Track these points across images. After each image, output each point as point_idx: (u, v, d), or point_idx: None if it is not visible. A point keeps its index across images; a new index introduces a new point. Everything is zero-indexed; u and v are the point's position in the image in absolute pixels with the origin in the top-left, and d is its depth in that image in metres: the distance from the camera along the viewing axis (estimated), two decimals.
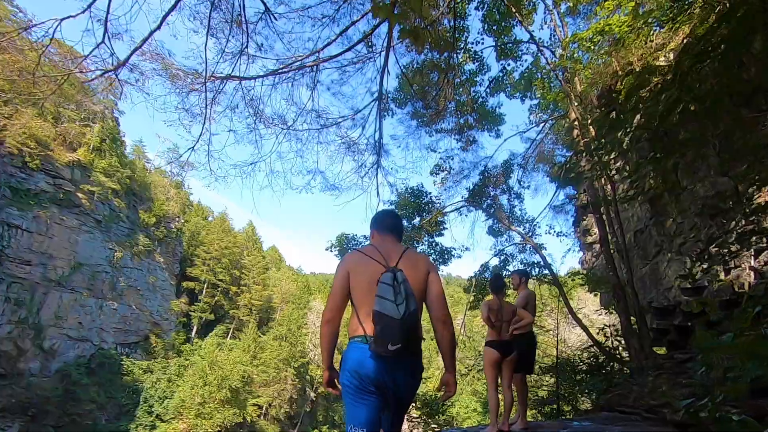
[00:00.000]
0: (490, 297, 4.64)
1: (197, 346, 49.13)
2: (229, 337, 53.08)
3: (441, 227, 9.81)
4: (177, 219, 51.05)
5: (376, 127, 6.69)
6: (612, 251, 7.28)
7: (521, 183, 10.58)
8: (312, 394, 48.84)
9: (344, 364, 2.16)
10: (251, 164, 6.36)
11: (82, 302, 37.71)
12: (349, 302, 2.22)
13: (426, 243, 9.90)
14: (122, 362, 40.57)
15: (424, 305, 2.26)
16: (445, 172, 10.24)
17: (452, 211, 9.95)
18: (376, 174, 7.08)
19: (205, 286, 53.55)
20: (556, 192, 10.63)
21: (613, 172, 10.13)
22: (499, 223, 10.03)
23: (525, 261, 9.85)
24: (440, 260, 10.08)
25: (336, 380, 2.28)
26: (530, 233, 9.97)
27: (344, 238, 9.63)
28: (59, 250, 35.81)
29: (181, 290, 52.00)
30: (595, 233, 10.89)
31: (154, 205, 47.62)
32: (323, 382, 2.37)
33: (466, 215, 10.48)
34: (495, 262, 10.36)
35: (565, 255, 19.65)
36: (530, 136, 11.36)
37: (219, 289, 54.05)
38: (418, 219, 9.67)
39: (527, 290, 4.79)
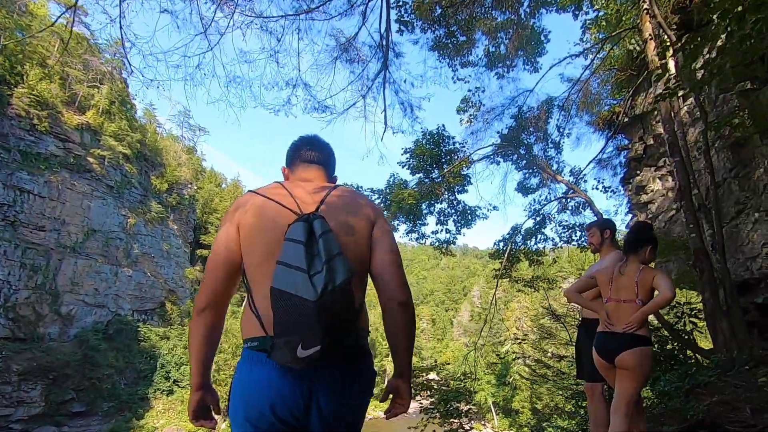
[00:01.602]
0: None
1: None
2: (243, 305, 53.29)
3: (465, 181, 8.05)
4: (189, 185, 50.49)
5: (382, 14, 4.75)
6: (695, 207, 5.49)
7: (561, 130, 8.66)
8: None
9: (232, 390, 1.33)
10: (195, 61, 4.58)
11: (97, 269, 37.72)
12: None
13: (446, 200, 8.20)
14: (139, 329, 40.98)
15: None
16: (474, 109, 8.33)
17: (480, 159, 8.15)
18: (383, 90, 5.25)
19: None
20: (607, 140, 8.69)
21: (684, 109, 8.12)
22: (535, 174, 8.21)
23: (567, 223, 8.06)
24: (462, 222, 8.40)
25: (216, 410, 1.45)
26: (572, 190, 8.15)
27: None
28: (72, 215, 35.60)
29: (196, 258, 52.07)
30: (651, 190, 9.00)
31: (166, 171, 47.00)
32: (188, 411, 1.44)
33: (497, 165, 8.69)
34: (529, 224, 8.64)
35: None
36: (572, 74, 9.30)
37: None
38: (437, 172, 7.92)
39: (616, 251, 3.12)
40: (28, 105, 31.99)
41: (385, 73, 5.08)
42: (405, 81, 7.39)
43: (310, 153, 1.64)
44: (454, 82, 7.62)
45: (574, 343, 7.20)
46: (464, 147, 8.31)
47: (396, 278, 1.40)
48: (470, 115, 8.45)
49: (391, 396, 1.49)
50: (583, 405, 6.81)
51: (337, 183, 1.65)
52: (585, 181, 8.70)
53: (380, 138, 6.44)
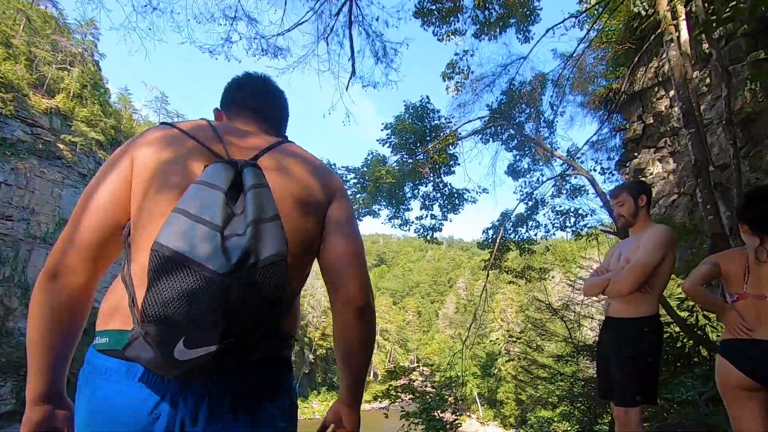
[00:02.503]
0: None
1: None
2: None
3: (452, 161, 7.23)
4: None
5: None
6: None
7: (554, 108, 7.91)
8: (310, 357, 48.66)
9: (77, 412, 0.88)
10: None
11: None
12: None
13: (432, 183, 7.37)
14: None
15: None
16: (462, 76, 7.41)
17: (468, 136, 7.32)
18: (349, 29, 4.33)
19: None
20: (603, 119, 8.00)
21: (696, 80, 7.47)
22: (527, 153, 7.44)
23: (561, 208, 7.36)
24: (449, 206, 7.60)
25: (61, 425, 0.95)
26: (569, 168, 7.39)
27: None
28: (42, 204, 34.12)
29: None
30: (651, 173, 8.38)
31: None
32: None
33: (486, 144, 7.88)
34: (521, 209, 7.90)
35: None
36: (567, 49, 8.57)
37: None
38: (421, 151, 7.06)
39: (659, 227, 2.36)
40: None
41: (351, 4, 4.19)
42: (378, 18, 6.37)
43: (254, 99, 1.19)
44: (440, 41, 6.70)
45: (571, 340, 6.63)
46: (450, 123, 7.46)
47: (356, 276, 1.01)
48: (457, 83, 7.51)
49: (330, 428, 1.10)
50: (580, 407, 6.20)
51: (271, 132, 1.19)
52: (582, 162, 8.03)
53: (345, 88, 5.55)
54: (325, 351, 50.27)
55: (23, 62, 33.34)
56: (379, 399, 6.59)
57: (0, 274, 31.28)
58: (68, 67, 37.14)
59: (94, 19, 42.04)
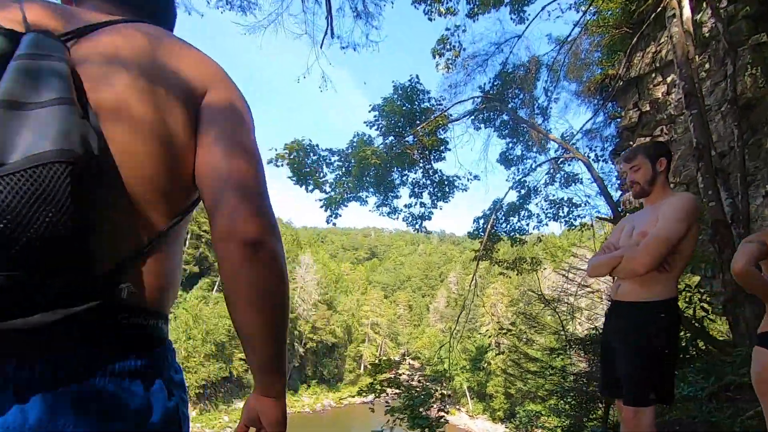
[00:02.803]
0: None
1: (182, 299, 47.77)
2: (214, 290, 51.80)
3: (443, 146, 6.90)
4: None
5: None
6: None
7: (548, 94, 7.63)
8: (300, 350, 48.41)
9: None
10: None
11: None
12: None
13: (421, 169, 7.03)
14: None
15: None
16: (453, 53, 7.02)
17: (460, 119, 6.96)
18: None
19: (189, 236, 51.51)
20: (599, 106, 7.74)
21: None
22: (521, 138, 7.13)
23: (554, 197, 7.09)
24: (439, 194, 7.29)
25: None
26: (564, 152, 7.10)
27: (299, 147, 6.22)
28: None
29: (192, 236, 50.06)
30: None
31: None
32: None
33: (478, 130, 7.57)
34: (512, 197, 7.61)
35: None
36: (561, 33, 8.27)
37: (203, 240, 52.04)
38: (411, 135, 6.67)
39: (682, 194, 2.06)
40: None
41: None
42: None
43: None
44: (431, 20, 6.32)
45: (563, 333, 6.37)
46: (441, 105, 7.09)
47: (239, 197, 0.67)
48: (448, 60, 7.13)
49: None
50: (571, 401, 5.97)
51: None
52: (577, 148, 7.74)
53: (320, 45, 5.17)
54: (315, 344, 50.02)
55: None
56: (364, 393, 6.33)
57: None
58: None
59: None
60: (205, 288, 51.68)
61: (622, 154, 2.42)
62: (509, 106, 7.11)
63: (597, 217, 6.58)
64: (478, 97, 7.05)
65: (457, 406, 51.86)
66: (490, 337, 55.47)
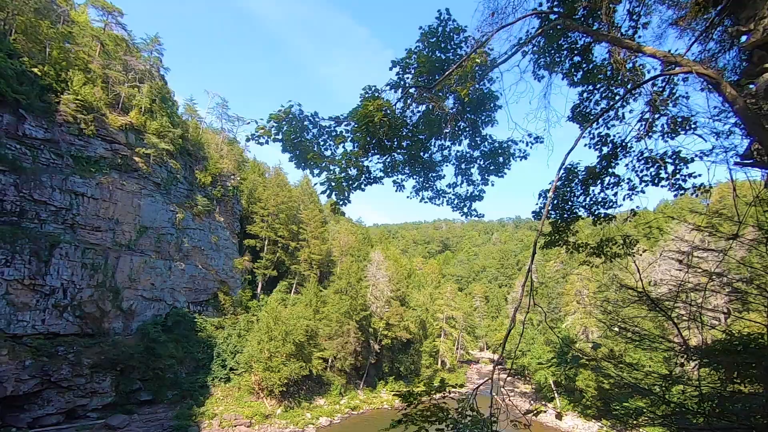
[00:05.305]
0: None
1: (263, 302, 50.37)
2: (292, 292, 53.87)
3: (490, 102, 5.31)
4: (232, 176, 51.15)
5: None
6: None
7: (634, 17, 5.64)
8: (376, 347, 48.52)
9: None
10: None
11: (152, 264, 39.11)
12: None
13: (467, 136, 5.54)
14: (195, 320, 42.42)
15: None
16: None
17: (509, 57, 5.09)
18: None
19: (266, 243, 54.16)
20: (712, 19, 5.80)
21: None
22: (595, 71, 5.25)
23: (653, 155, 5.22)
24: (491, 167, 5.77)
25: None
26: (673, 65, 4.90)
27: (288, 116, 4.69)
28: (124, 214, 36.96)
29: (244, 248, 53.05)
30: None
31: (208, 164, 47.73)
32: None
33: (534, 74, 5.75)
34: (592, 157, 5.85)
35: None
36: None
37: (279, 245, 54.51)
38: (434, 85, 5.08)
39: None
40: (74, 110, 33.25)
41: None
42: None
43: None
44: None
45: (683, 348, 4.43)
46: (483, 40, 5.11)
47: None
48: None
49: None
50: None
51: None
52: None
53: None
54: (390, 341, 49.80)
55: (99, 84, 36.13)
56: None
57: (94, 281, 34.23)
58: (138, 84, 39.79)
59: (158, 35, 44.67)
60: (284, 290, 54.08)
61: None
62: (582, 24, 5.27)
63: (735, 162, 4.03)
64: (532, 15, 5.10)
65: (543, 402, 48.49)
66: (575, 328, 51.14)
